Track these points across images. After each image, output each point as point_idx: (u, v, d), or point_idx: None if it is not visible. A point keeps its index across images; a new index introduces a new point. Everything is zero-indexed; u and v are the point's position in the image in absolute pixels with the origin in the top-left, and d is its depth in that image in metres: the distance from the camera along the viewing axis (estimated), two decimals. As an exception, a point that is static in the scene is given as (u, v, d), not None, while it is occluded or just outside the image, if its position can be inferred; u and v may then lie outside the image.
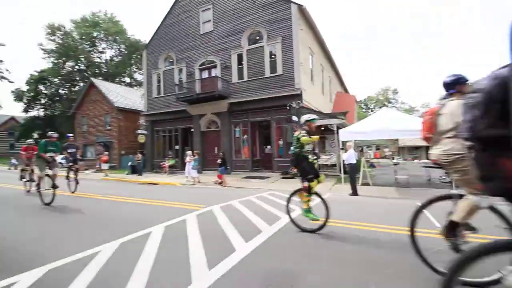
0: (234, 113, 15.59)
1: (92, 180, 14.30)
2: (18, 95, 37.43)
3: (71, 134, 10.41)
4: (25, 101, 37.60)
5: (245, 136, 15.22)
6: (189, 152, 12.67)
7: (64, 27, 37.57)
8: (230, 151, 15.27)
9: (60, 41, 36.96)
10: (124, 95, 26.37)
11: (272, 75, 14.14)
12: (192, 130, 17.24)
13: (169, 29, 18.33)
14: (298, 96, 13.21)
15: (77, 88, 38.00)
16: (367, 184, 9.88)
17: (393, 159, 20.24)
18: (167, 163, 16.58)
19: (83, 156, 21.89)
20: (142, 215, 5.79)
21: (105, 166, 16.82)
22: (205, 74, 16.83)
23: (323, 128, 15.09)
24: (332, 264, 3.13)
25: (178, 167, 17.18)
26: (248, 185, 10.53)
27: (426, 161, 12.39)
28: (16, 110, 60.49)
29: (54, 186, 6.86)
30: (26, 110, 38.25)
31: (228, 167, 12.76)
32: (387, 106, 59.25)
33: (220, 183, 10.82)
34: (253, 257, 3.35)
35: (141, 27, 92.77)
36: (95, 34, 38.50)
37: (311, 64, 16.14)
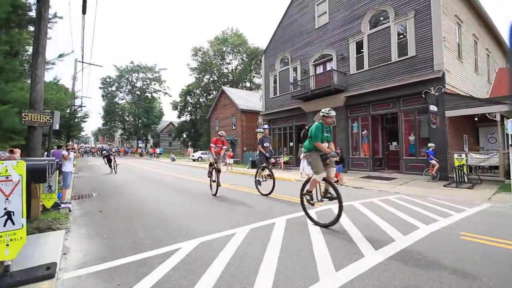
0: (351, 107, 14.44)
1: (223, 173, 16.98)
2: (174, 105, 49.60)
3: (267, 126, 8.87)
4: (178, 109, 49.37)
5: (364, 132, 13.80)
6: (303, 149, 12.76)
7: (203, 48, 46.59)
8: (347, 148, 14.26)
9: (200, 60, 46.07)
10: (246, 98, 29.79)
11: (401, 58, 12.04)
12: (306, 127, 17.28)
13: (285, 30, 19.09)
14: (439, 80, 10.63)
15: (211, 96, 46.28)
16: (562, 197, 6.73)
17: None
18: (282, 159, 17.41)
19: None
20: (264, 206, 6.28)
21: (230, 161, 19.32)
22: (320, 69, 16.43)
23: (476, 119, 11.62)
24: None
25: (292, 163, 17.70)
26: (369, 186, 9.48)
27: None
28: (173, 116, 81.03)
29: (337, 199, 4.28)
30: (179, 116, 50.16)
31: (345, 165, 11.97)
32: None
33: (337, 182, 10.29)
34: (387, 268, 2.92)
35: (260, 34, 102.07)
36: (224, 49, 45.61)
37: (458, 37, 12.61)
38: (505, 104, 9.36)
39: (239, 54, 47.31)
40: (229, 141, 27.05)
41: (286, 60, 19.11)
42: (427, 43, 11.14)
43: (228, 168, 18.36)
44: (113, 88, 49.33)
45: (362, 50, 13.71)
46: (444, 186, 8.72)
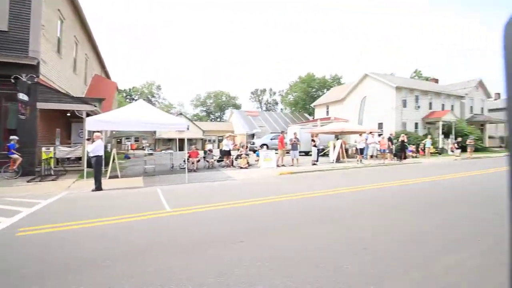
0: None
1: None
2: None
3: None
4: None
5: None
6: None
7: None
8: None
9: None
10: None
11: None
12: None
13: None
14: (33, 68, 9.94)
15: None
16: (116, 177, 9.75)
17: (145, 149, 21.61)
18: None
19: None
20: None
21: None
22: None
23: (69, 114, 12.70)
24: (60, 269, 2.78)
25: None
26: None
27: (171, 151, 14.47)
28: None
29: None
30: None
31: None
32: (150, 99, 62.06)
33: None
34: None
35: None
36: None
37: (60, 32, 12.87)
38: (91, 105, 11.37)
39: None
40: None
41: None
42: (23, 22, 10.03)
43: None
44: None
45: None
46: (28, 181, 8.41)
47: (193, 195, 7.20)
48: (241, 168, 12.72)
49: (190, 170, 11.45)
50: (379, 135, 18.56)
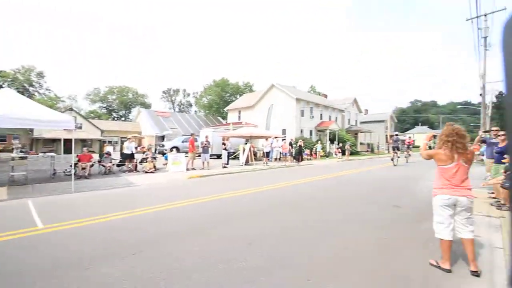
0: None
1: None
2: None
3: None
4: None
5: None
6: None
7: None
8: None
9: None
10: None
11: None
12: None
13: None
14: None
15: None
16: (-39, 190, 7.29)
17: (14, 151, 17.06)
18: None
19: None
20: None
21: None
22: None
23: None
24: None
25: None
26: None
27: (54, 154, 12.02)
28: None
29: None
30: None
31: None
32: (27, 88, 49.71)
33: None
34: None
35: None
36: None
37: None
38: None
39: None
40: None
41: None
42: None
43: None
44: None
45: None
46: None
47: (80, 206, 6.15)
48: (146, 172, 11.75)
49: (80, 177, 9.80)
50: (283, 140, 20.79)
